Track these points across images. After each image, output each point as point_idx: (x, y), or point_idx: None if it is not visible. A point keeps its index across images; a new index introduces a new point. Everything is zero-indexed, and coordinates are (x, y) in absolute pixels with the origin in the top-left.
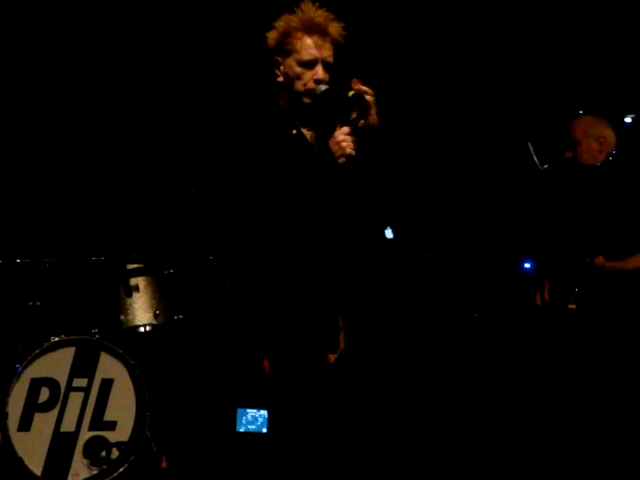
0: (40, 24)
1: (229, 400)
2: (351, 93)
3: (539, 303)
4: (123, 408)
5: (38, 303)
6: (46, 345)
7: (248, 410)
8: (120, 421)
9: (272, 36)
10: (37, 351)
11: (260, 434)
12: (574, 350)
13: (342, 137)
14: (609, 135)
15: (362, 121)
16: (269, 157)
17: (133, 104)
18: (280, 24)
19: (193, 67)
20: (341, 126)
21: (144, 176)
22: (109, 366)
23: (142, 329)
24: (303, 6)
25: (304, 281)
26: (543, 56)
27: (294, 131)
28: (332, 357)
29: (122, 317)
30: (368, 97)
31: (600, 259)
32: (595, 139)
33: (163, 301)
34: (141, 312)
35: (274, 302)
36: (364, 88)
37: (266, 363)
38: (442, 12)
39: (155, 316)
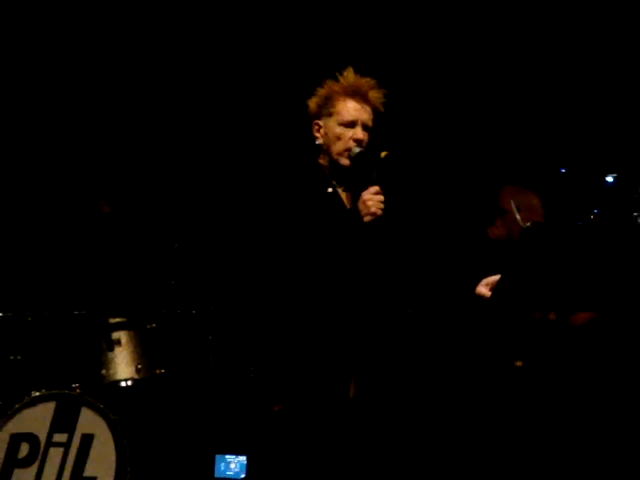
0: (33, 27)
1: (208, 446)
2: (383, 154)
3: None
4: (103, 463)
5: (19, 357)
6: (26, 400)
7: (227, 456)
8: (100, 476)
9: (314, 101)
10: (17, 406)
11: None
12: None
13: (369, 196)
14: (534, 203)
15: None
16: (301, 212)
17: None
18: (322, 89)
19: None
20: (371, 186)
21: (127, 231)
22: (90, 421)
23: (123, 384)
24: (345, 72)
25: (323, 336)
26: (525, 117)
27: (330, 189)
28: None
29: (103, 371)
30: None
31: (553, 315)
32: (524, 209)
33: (145, 355)
34: (123, 366)
35: (290, 354)
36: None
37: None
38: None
39: (137, 370)
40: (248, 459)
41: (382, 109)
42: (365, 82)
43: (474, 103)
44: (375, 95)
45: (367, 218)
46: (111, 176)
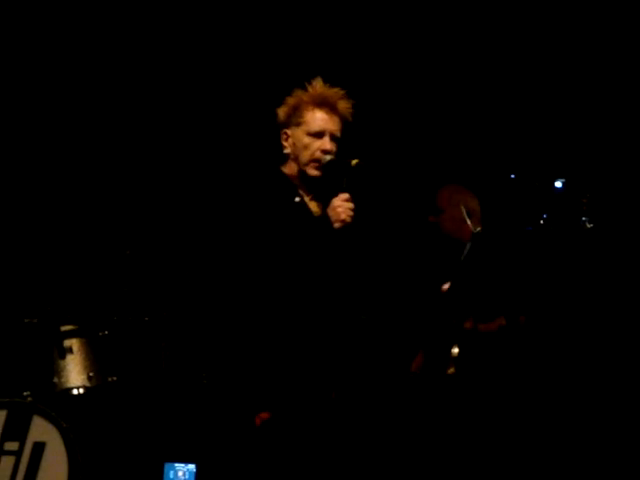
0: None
1: (157, 454)
2: (354, 162)
3: (414, 370)
4: (55, 471)
5: None
6: None
7: (176, 464)
8: None
9: (283, 110)
10: None
11: None
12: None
13: (339, 203)
14: (473, 205)
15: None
16: (268, 221)
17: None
18: (291, 99)
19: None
20: (341, 193)
21: (79, 237)
22: (41, 429)
23: (75, 391)
24: (314, 82)
25: (290, 341)
26: (473, 123)
27: (297, 199)
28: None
29: (55, 379)
30: None
31: (470, 323)
32: (458, 208)
33: (97, 363)
34: (74, 374)
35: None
36: None
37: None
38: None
39: (89, 378)
40: (197, 467)
41: (350, 119)
42: (334, 92)
43: (435, 111)
44: (344, 105)
45: (337, 225)
46: (62, 183)
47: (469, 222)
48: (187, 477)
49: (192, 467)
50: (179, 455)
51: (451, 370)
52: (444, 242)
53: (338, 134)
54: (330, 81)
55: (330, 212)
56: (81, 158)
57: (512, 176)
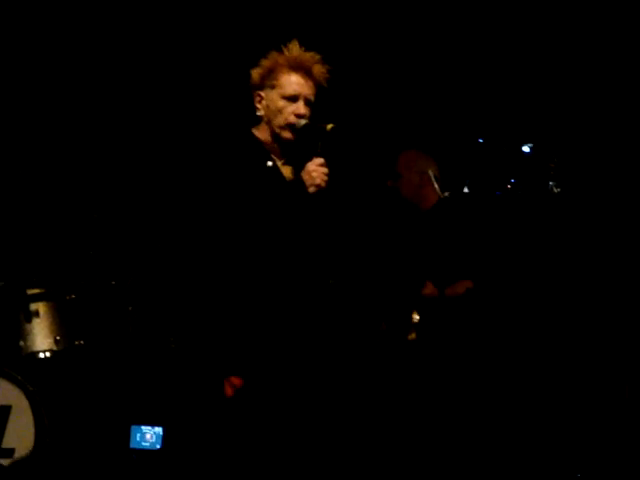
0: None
1: (124, 417)
2: (329, 127)
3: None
4: (22, 435)
5: None
6: None
7: (143, 427)
8: (18, 448)
9: (257, 72)
10: None
11: (154, 451)
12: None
13: (314, 167)
14: (431, 170)
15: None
16: (238, 186)
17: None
18: (266, 61)
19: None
20: (315, 157)
21: (45, 200)
22: (7, 392)
23: (42, 355)
24: (290, 45)
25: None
26: (441, 89)
27: (269, 163)
28: None
29: (22, 343)
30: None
31: (429, 287)
32: (416, 173)
33: (64, 327)
34: (41, 338)
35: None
36: None
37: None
38: None
39: (55, 342)
40: (164, 430)
41: (325, 84)
42: (310, 56)
43: (405, 75)
44: (319, 70)
45: (311, 189)
46: (30, 145)
47: (436, 187)
48: (154, 440)
49: (159, 430)
50: (146, 418)
51: (412, 336)
52: (403, 207)
53: (312, 98)
54: (306, 45)
55: (305, 176)
56: (47, 123)
57: (480, 140)
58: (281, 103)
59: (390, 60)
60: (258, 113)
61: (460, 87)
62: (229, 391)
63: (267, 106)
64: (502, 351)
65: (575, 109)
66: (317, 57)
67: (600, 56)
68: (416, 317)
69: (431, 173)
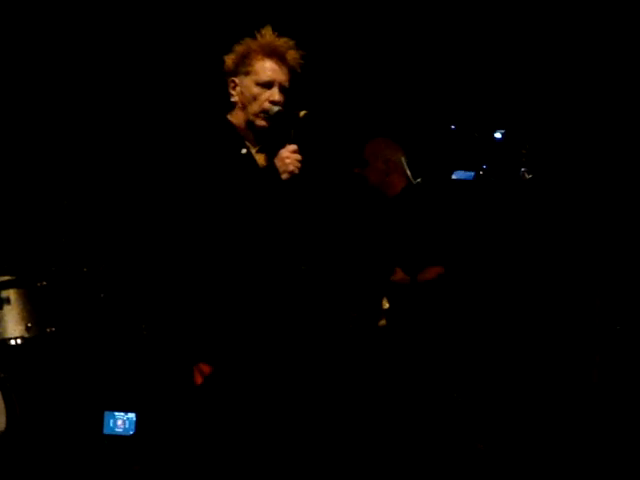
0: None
1: (97, 403)
2: (302, 113)
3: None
4: None
5: None
6: None
7: (116, 413)
8: None
9: (231, 58)
10: None
11: (127, 437)
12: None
13: (287, 154)
14: (396, 159)
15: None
16: (211, 172)
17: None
18: (240, 47)
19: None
20: (289, 144)
21: (16, 187)
22: None
23: (13, 342)
24: (264, 31)
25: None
26: (414, 76)
27: (244, 150)
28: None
29: None
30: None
31: (399, 274)
32: (382, 161)
33: (35, 313)
34: (12, 325)
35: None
36: None
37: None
38: None
39: (27, 329)
40: (137, 416)
41: (299, 70)
42: (283, 42)
43: (378, 62)
44: (293, 56)
45: (284, 176)
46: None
47: (409, 173)
48: (127, 426)
49: (132, 416)
50: (119, 404)
51: (382, 322)
52: (370, 194)
53: (287, 85)
54: (279, 30)
55: (278, 163)
56: (18, 108)
57: (452, 127)
58: (256, 90)
59: (362, 47)
60: (232, 99)
61: (432, 74)
62: (198, 378)
63: (241, 92)
64: (473, 336)
65: (546, 96)
66: (291, 43)
67: (570, 43)
68: (386, 304)
69: (403, 160)
